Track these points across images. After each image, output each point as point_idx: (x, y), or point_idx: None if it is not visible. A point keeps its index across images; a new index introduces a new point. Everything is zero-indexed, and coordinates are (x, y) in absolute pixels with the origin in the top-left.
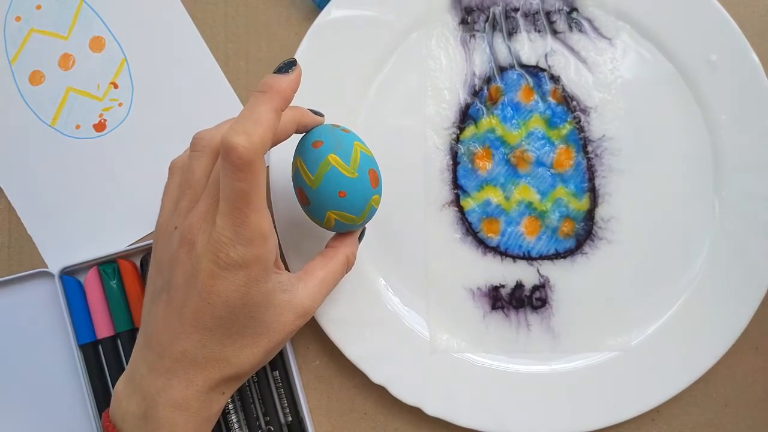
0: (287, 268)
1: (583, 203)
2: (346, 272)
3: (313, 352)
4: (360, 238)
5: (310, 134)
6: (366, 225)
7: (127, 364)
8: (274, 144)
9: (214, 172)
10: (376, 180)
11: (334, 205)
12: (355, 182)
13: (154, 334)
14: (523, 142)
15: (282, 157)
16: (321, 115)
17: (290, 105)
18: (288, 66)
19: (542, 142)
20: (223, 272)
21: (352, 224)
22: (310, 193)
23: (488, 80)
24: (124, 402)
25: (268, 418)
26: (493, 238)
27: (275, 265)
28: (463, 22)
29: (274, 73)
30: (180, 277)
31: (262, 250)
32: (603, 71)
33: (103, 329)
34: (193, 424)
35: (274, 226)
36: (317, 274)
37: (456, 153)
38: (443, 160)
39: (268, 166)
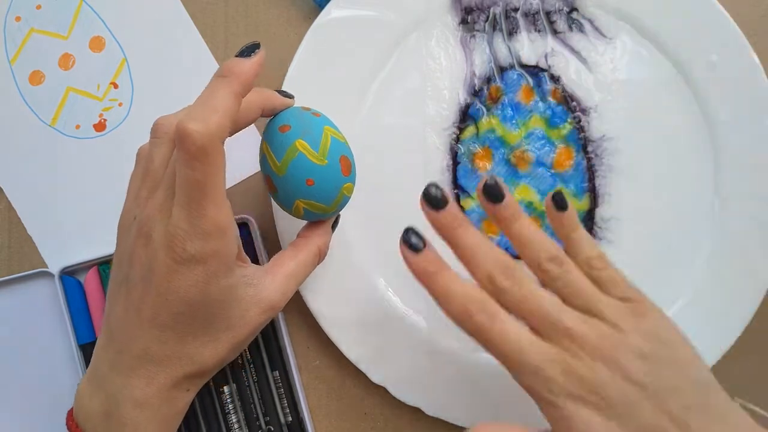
0: None
1: (583, 203)
2: (319, 263)
3: (313, 352)
4: (333, 226)
5: (278, 118)
6: (340, 213)
7: None
8: (236, 130)
9: (172, 160)
10: (348, 167)
11: (302, 193)
12: (325, 170)
13: (115, 331)
14: (523, 142)
15: None
16: (291, 96)
17: (256, 88)
18: (251, 49)
19: (542, 142)
20: (180, 267)
21: (323, 213)
22: (277, 180)
23: (488, 80)
24: (87, 400)
25: (268, 418)
26: (493, 239)
27: (239, 258)
28: (463, 22)
29: (236, 56)
30: (137, 271)
31: (221, 244)
32: (603, 71)
33: None
34: (156, 422)
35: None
36: (286, 266)
37: (456, 153)
38: (443, 160)
39: None
